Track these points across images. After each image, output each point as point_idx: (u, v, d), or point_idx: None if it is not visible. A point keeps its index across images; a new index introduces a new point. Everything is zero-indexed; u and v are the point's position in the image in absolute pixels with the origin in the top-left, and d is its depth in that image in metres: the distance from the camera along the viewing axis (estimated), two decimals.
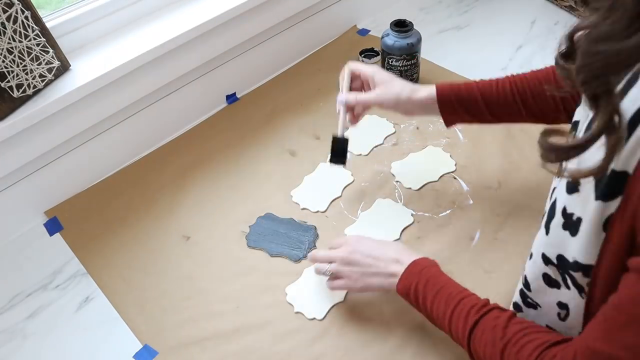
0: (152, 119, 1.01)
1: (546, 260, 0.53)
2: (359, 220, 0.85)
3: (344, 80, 0.81)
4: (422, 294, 0.63)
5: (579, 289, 0.49)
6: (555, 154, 0.42)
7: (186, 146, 1.02)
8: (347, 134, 0.80)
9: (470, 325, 0.57)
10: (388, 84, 0.77)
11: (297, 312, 0.74)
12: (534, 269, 0.55)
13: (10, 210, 0.87)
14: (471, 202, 0.86)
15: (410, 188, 0.89)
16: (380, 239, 0.73)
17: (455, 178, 0.90)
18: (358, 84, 0.83)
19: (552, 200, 0.52)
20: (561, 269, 0.50)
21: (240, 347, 0.71)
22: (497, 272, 0.76)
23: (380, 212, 0.86)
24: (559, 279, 0.52)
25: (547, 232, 0.52)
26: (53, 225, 0.90)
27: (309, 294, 0.76)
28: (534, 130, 0.98)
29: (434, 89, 0.75)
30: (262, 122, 1.05)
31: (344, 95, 0.79)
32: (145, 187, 0.94)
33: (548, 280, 0.53)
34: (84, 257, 0.84)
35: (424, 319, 0.72)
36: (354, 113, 0.82)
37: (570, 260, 0.48)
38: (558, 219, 0.50)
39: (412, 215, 0.85)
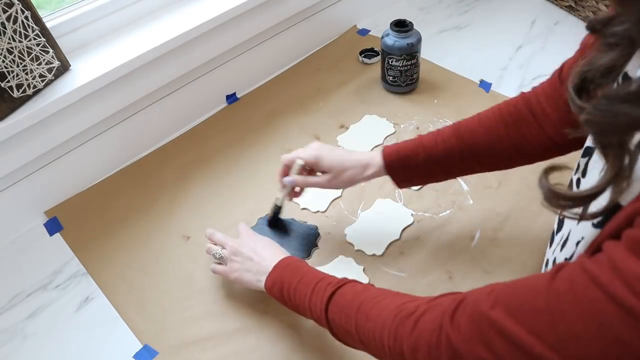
0: (152, 119, 1.01)
1: None
2: (359, 220, 0.85)
3: (294, 169, 0.75)
4: (286, 285, 0.63)
5: None
6: (559, 203, 0.40)
7: (186, 146, 1.02)
8: (280, 204, 0.82)
9: (326, 298, 0.57)
10: (336, 170, 0.72)
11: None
12: None
13: (10, 210, 0.87)
14: (471, 202, 0.86)
15: (410, 188, 0.89)
16: (380, 235, 0.74)
17: (455, 178, 0.90)
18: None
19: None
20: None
21: (241, 347, 0.71)
22: (497, 272, 0.76)
23: (380, 212, 0.86)
24: None
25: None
26: (53, 225, 0.90)
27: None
28: None
29: (380, 161, 0.71)
30: (262, 122, 1.05)
31: (294, 177, 0.75)
32: (145, 187, 0.94)
33: None
34: (84, 257, 0.84)
35: None
36: (297, 191, 0.80)
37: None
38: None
39: (412, 215, 0.85)
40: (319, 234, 0.83)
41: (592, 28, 0.41)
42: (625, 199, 0.37)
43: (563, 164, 0.43)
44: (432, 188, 0.89)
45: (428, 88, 1.09)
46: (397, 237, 0.82)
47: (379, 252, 0.80)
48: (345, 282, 0.59)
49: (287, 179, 0.75)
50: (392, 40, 1.01)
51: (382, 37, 1.04)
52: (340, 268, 0.79)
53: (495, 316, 0.38)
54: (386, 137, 0.99)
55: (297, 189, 0.79)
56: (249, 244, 0.72)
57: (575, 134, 0.41)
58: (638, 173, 0.37)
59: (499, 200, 0.86)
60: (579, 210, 0.41)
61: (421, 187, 0.89)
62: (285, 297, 0.64)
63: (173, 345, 0.72)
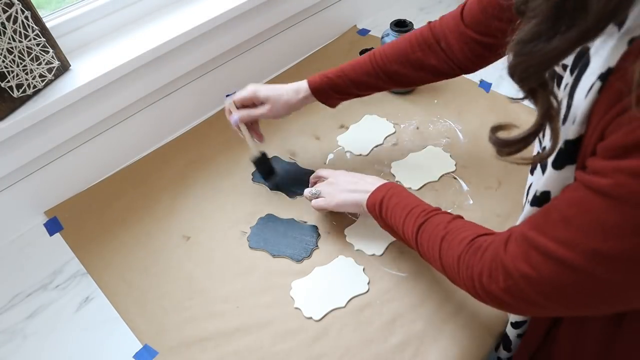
0: (152, 119, 1.01)
1: None
2: (359, 220, 0.85)
3: (232, 106, 0.85)
4: (385, 206, 0.71)
5: None
6: (507, 149, 0.47)
7: (186, 146, 1.02)
8: (260, 150, 0.88)
9: (418, 224, 0.64)
10: (272, 98, 0.83)
11: (296, 308, 0.74)
12: None
13: (10, 210, 0.87)
14: (471, 202, 0.86)
15: (410, 188, 0.89)
16: (380, 235, 0.77)
17: (455, 178, 0.90)
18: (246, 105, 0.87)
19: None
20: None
21: (240, 347, 0.71)
22: None
23: None
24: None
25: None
26: (53, 225, 0.90)
27: (313, 293, 0.76)
28: None
29: (307, 85, 0.83)
30: (262, 122, 1.05)
31: (236, 114, 0.84)
32: (145, 187, 0.94)
33: None
34: (84, 257, 0.84)
35: (423, 319, 0.72)
36: (256, 131, 0.89)
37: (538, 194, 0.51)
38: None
39: None
40: (319, 234, 0.83)
41: (517, 9, 0.45)
42: (576, 130, 0.44)
43: (509, 123, 0.48)
44: (432, 188, 0.89)
45: (428, 88, 1.09)
46: None
47: (379, 252, 0.80)
48: (437, 212, 0.65)
49: (231, 118, 0.85)
50: (392, 40, 1.01)
51: (382, 37, 1.04)
52: (340, 268, 0.79)
53: (531, 235, 0.46)
54: (386, 137, 0.99)
55: (254, 137, 0.88)
56: (346, 174, 0.81)
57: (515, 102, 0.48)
58: (576, 104, 0.44)
59: (499, 200, 0.86)
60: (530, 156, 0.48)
61: (421, 187, 0.89)
62: (383, 216, 0.71)
63: (173, 345, 0.72)
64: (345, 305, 0.74)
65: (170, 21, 0.96)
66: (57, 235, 0.88)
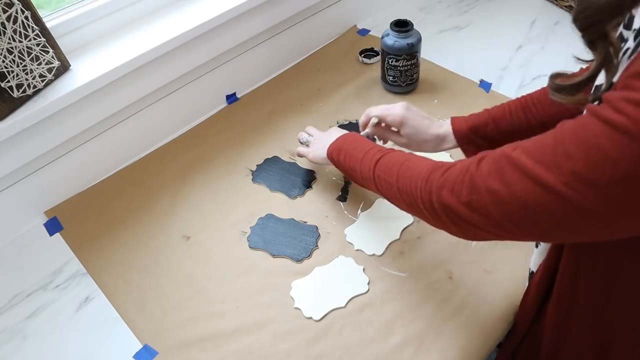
0: (152, 119, 1.01)
1: None
2: (359, 220, 0.85)
3: (369, 126, 0.84)
4: (343, 151, 0.74)
5: None
6: (564, 91, 0.46)
7: (186, 146, 1.02)
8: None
9: (375, 159, 0.65)
10: (415, 141, 0.79)
11: (295, 307, 0.74)
12: None
13: (10, 210, 0.87)
14: None
15: None
16: (380, 235, 0.78)
17: None
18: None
19: None
20: None
21: (240, 347, 0.71)
22: (497, 272, 0.76)
23: (380, 212, 0.86)
24: None
25: None
26: (53, 225, 0.90)
27: (313, 293, 0.76)
28: None
29: (453, 138, 0.76)
30: (262, 122, 1.05)
31: (367, 132, 0.84)
32: (145, 187, 0.94)
33: None
34: (84, 257, 0.84)
35: (423, 319, 0.72)
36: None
37: None
38: None
39: (412, 215, 0.85)
40: (319, 234, 0.83)
41: None
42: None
43: (569, 72, 0.47)
44: None
45: (428, 88, 1.09)
46: (397, 237, 0.82)
47: (379, 252, 0.80)
48: (395, 150, 0.66)
49: (363, 133, 0.84)
50: (392, 40, 1.01)
51: (382, 37, 1.04)
52: (340, 268, 0.79)
53: (514, 155, 0.44)
54: None
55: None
56: (330, 132, 0.83)
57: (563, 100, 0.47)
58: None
59: None
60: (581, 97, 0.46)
61: None
62: (342, 161, 0.74)
63: (173, 345, 0.72)
64: (345, 305, 0.74)
65: (170, 21, 0.96)
66: (57, 235, 0.88)
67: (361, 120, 0.84)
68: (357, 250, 0.81)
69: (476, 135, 0.75)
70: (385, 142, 0.85)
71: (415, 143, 0.79)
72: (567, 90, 0.45)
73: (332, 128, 0.87)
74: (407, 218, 0.84)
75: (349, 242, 0.82)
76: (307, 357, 0.69)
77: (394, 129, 0.82)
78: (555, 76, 0.47)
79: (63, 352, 0.74)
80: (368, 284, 0.76)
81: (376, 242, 0.81)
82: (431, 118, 0.80)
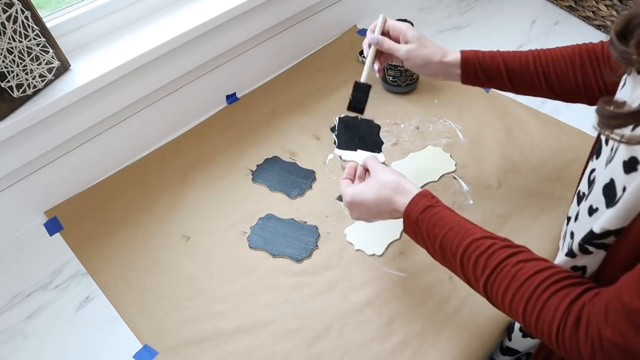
0: (152, 119, 1.01)
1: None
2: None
3: (377, 27, 0.79)
4: (431, 235, 0.61)
5: (604, 247, 0.50)
6: (613, 121, 0.43)
7: (186, 146, 1.02)
8: (369, 81, 0.80)
9: (487, 273, 0.55)
10: (421, 43, 0.78)
11: (357, 250, 0.81)
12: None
13: (10, 210, 0.87)
14: (471, 202, 0.86)
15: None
16: (380, 235, 0.78)
17: (455, 178, 0.90)
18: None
19: (590, 180, 0.54)
20: (584, 241, 0.50)
21: (240, 347, 0.71)
22: None
23: None
24: (577, 250, 0.52)
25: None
26: (53, 225, 0.90)
27: (367, 233, 0.82)
28: (535, 130, 0.99)
29: (458, 54, 0.78)
30: (262, 122, 1.05)
31: (377, 36, 0.78)
32: (145, 187, 0.94)
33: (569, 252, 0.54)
34: (84, 257, 0.84)
35: (423, 319, 0.72)
36: (380, 62, 0.82)
37: (598, 231, 0.48)
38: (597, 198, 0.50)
39: None
40: (319, 233, 0.83)
41: None
42: None
43: (619, 100, 0.46)
44: (432, 188, 0.89)
45: (428, 88, 1.09)
46: (397, 237, 0.82)
47: (379, 252, 0.80)
48: (499, 260, 0.55)
49: (371, 36, 0.78)
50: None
51: None
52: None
53: (634, 306, 0.42)
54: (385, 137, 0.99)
55: (376, 66, 0.82)
56: (366, 202, 0.69)
57: (613, 77, 0.47)
58: None
59: (499, 200, 0.86)
60: (626, 132, 0.44)
61: (422, 187, 0.89)
62: (426, 242, 0.63)
63: (173, 345, 0.72)
64: (400, 236, 0.81)
65: (170, 21, 0.96)
66: (57, 235, 0.88)
67: (373, 25, 0.81)
68: (357, 250, 0.81)
69: (479, 63, 0.77)
70: (383, 53, 0.81)
71: (418, 49, 0.77)
72: (620, 119, 0.43)
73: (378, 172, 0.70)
74: None
75: (349, 242, 0.82)
76: (307, 357, 0.69)
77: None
78: (605, 102, 0.44)
79: (63, 352, 0.74)
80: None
81: (376, 242, 0.81)
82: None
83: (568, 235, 0.59)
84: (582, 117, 0.98)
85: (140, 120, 0.99)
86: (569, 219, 0.62)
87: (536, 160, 0.91)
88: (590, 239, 0.49)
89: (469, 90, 1.08)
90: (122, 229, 0.88)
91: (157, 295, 0.78)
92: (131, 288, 0.79)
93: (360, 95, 0.80)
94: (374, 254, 0.80)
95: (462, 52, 0.78)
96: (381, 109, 1.05)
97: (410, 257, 0.79)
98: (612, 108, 0.44)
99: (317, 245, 0.82)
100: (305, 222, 0.86)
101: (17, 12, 0.76)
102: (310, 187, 0.91)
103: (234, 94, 1.12)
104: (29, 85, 0.80)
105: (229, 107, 1.11)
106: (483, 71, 0.77)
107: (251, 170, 0.95)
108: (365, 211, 0.70)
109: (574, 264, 0.53)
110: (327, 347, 0.70)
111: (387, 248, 0.80)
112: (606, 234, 0.47)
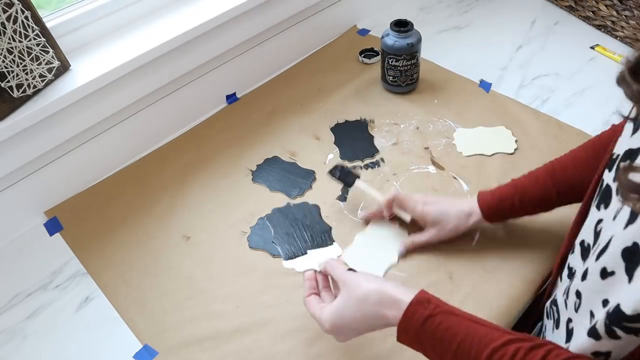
0: (152, 119, 1.01)
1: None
2: (359, 220, 0.85)
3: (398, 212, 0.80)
4: (439, 350, 0.54)
5: (635, 332, 0.43)
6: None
7: (186, 146, 1.02)
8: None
9: None
10: (443, 222, 0.76)
11: None
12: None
13: (10, 210, 0.87)
14: None
15: (461, 153, 0.94)
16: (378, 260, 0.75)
17: (455, 178, 0.90)
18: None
19: (597, 231, 0.50)
20: (610, 320, 0.44)
21: (240, 347, 0.71)
22: (497, 272, 0.76)
23: (376, 234, 0.83)
24: (602, 330, 0.46)
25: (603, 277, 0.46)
26: (53, 225, 0.90)
27: (364, 258, 0.79)
28: (535, 131, 0.99)
29: (479, 211, 0.74)
30: (262, 122, 1.05)
31: (404, 243, 0.78)
32: (145, 187, 0.94)
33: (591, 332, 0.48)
34: (84, 257, 0.84)
35: None
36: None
37: (629, 312, 0.42)
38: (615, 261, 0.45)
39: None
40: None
41: None
42: None
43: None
44: (432, 188, 0.89)
45: (428, 88, 1.09)
46: (395, 261, 0.79)
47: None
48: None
49: (400, 248, 0.78)
50: (392, 40, 1.01)
51: (382, 37, 1.04)
52: (376, 231, 0.82)
53: None
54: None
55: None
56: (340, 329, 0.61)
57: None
58: None
59: None
60: None
61: (469, 157, 0.89)
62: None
63: (173, 345, 0.72)
64: (398, 261, 0.78)
65: (170, 21, 0.96)
66: (57, 235, 0.88)
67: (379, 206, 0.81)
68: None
69: (502, 208, 0.73)
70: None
71: (442, 226, 0.75)
72: None
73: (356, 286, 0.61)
74: (407, 218, 0.82)
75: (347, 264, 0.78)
76: (307, 357, 0.69)
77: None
78: (627, 169, 0.39)
79: (63, 352, 0.74)
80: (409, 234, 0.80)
81: (373, 267, 0.77)
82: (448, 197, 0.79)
83: (573, 294, 0.54)
84: (582, 117, 0.98)
85: (141, 120, 0.99)
86: (570, 269, 0.58)
87: (536, 160, 0.91)
88: (620, 320, 0.43)
89: (469, 90, 1.08)
90: (122, 229, 0.88)
91: (157, 295, 0.78)
92: (131, 288, 0.79)
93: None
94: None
95: (482, 206, 0.74)
96: (381, 109, 1.05)
97: (410, 257, 0.79)
98: (636, 176, 0.38)
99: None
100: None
101: (17, 12, 0.76)
102: (310, 187, 0.91)
103: (234, 94, 1.12)
104: (29, 85, 0.80)
105: (229, 107, 1.11)
106: (505, 212, 0.74)
107: (251, 170, 0.95)
108: (353, 332, 0.61)
109: (597, 349, 0.47)
110: (327, 347, 0.70)
111: (385, 274, 0.77)
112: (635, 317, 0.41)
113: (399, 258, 0.78)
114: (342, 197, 0.89)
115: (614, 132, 0.62)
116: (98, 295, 0.79)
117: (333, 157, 0.97)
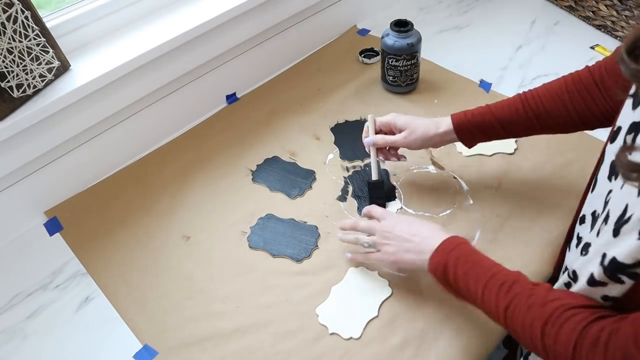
0: (152, 119, 1.01)
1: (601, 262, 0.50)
2: (331, 296, 0.76)
3: (370, 127, 0.84)
4: (452, 272, 0.63)
5: (635, 277, 0.47)
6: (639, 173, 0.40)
7: (186, 146, 1.02)
8: (381, 176, 0.86)
9: (503, 305, 0.57)
10: (411, 127, 0.80)
11: (331, 333, 0.71)
12: (588, 266, 0.52)
13: (10, 210, 0.87)
14: (471, 202, 0.86)
15: (461, 153, 0.94)
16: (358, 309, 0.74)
17: (455, 178, 0.90)
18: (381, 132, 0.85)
19: (621, 205, 0.50)
20: (610, 272, 0.48)
21: (240, 347, 0.71)
22: None
23: (354, 285, 0.77)
24: (606, 279, 0.49)
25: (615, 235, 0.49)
26: (53, 225, 0.90)
27: (343, 312, 0.73)
28: None
29: (450, 120, 0.78)
30: (262, 122, 1.05)
31: (372, 137, 0.83)
32: (145, 187, 0.94)
33: (592, 280, 0.51)
34: (84, 257, 0.84)
35: (424, 319, 0.72)
36: (395, 155, 0.86)
37: (630, 262, 0.45)
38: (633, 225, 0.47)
39: (412, 215, 0.85)
40: (319, 233, 0.83)
41: None
42: None
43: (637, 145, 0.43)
44: (432, 188, 0.89)
45: (428, 88, 1.09)
46: (375, 314, 0.73)
47: (356, 335, 0.72)
48: (518, 290, 0.57)
49: (366, 140, 0.83)
50: (392, 40, 1.01)
51: (382, 37, 1.04)
52: (356, 279, 0.78)
53: None
54: None
55: (382, 157, 0.86)
56: (399, 225, 0.72)
57: (623, 96, 0.44)
58: None
59: (499, 200, 0.86)
60: None
61: (469, 157, 0.89)
62: (452, 283, 0.63)
63: (173, 345, 0.72)
64: (378, 313, 0.72)
65: (170, 21, 0.96)
66: (57, 235, 0.88)
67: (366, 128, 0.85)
68: (332, 333, 0.71)
69: (473, 124, 0.77)
70: (388, 147, 0.84)
71: (412, 133, 0.79)
72: None
73: (378, 211, 0.77)
74: (384, 290, 0.76)
75: (322, 325, 0.72)
76: (307, 357, 0.69)
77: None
78: (625, 149, 0.42)
79: (63, 352, 0.74)
80: (390, 285, 0.75)
81: (352, 322, 0.72)
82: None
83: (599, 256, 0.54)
84: None
85: (140, 120, 0.99)
86: (579, 239, 0.59)
87: (536, 160, 0.91)
88: (623, 268, 0.46)
89: (469, 90, 1.08)
90: (122, 229, 0.88)
91: (157, 295, 0.78)
92: (131, 288, 0.79)
93: (377, 192, 0.86)
94: (350, 337, 0.70)
95: (453, 116, 0.79)
96: (381, 109, 1.05)
97: None
98: (634, 155, 0.41)
99: (317, 245, 0.82)
100: (305, 222, 0.85)
101: (17, 12, 0.76)
102: (310, 187, 0.91)
103: (234, 94, 1.12)
104: (29, 85, 0.80)
105: (229, 107, 1.11)
106: (477, 129, 0.77)
107: (251, 170, 0.95)
108: (405, 230, 0.70)
109: (605, 292, 0.51)
110: (327, 347, 0.70)
111: (364, 329, 0.72)
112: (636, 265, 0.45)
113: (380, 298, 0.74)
114: (342, 197, 0.89)
115: (588, 71, 0.71)
116: (98, 295, 0.79)
117: (333, 157, 0.97)
